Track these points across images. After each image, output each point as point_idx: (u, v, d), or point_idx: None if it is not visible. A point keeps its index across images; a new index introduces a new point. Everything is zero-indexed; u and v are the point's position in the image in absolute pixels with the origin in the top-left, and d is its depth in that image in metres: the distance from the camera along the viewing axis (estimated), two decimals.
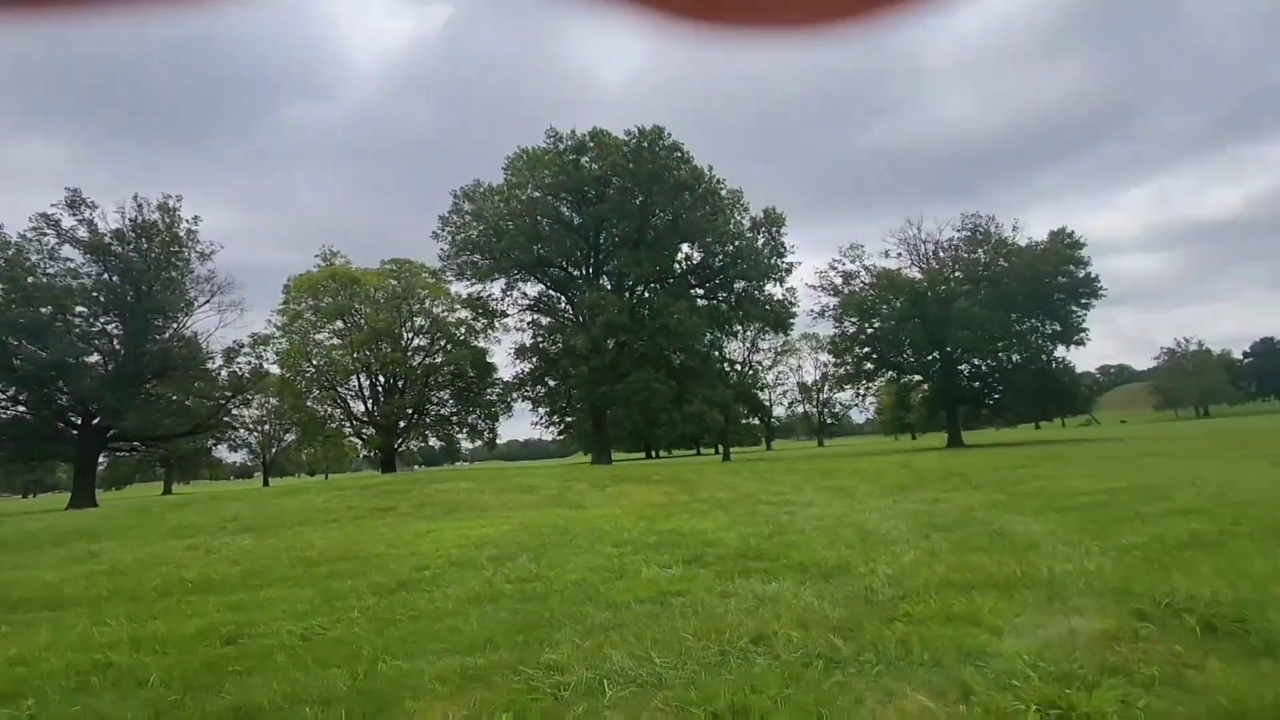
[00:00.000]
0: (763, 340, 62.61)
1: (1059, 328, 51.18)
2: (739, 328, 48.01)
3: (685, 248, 40.62)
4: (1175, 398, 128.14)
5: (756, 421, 75.86)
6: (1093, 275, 49.62)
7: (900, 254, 50.83)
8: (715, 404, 37.35)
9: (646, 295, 39.83)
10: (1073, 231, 49.99)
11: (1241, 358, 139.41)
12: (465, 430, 52.08)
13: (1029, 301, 48.21)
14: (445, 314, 48.95)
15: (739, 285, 40.66)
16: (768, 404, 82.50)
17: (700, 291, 41.94)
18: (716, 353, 44.41)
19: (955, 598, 5.30)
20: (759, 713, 3.43)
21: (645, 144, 35.34)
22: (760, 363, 70.20)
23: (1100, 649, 3.94)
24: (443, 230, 41.26)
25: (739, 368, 62.19)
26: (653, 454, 65.53)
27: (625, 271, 38.06)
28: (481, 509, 14.69)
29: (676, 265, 40.92)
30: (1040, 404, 56.90)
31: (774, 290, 42.03)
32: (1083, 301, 50.56)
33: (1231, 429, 44.46)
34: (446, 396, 51.80)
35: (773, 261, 39.94)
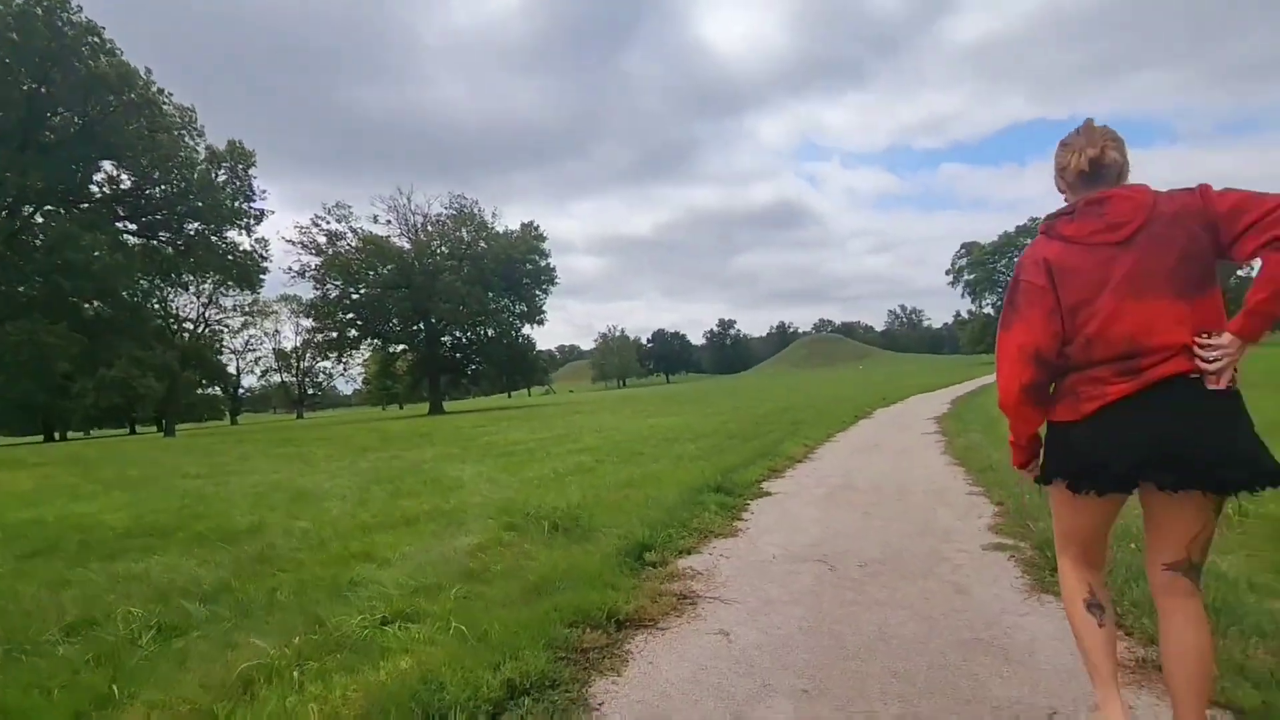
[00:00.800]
0: (226, 297, 53.61)
1: (525, 308, 59.26)
2: (190, 278, 39.88)
3: (108, 166, 31.35)
4: (606, 371, 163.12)
5: (219, 391, 65.26)
6: (551, 266, 58.77)
7: (390, 221, 50.47)
8: (151, 368, 30.16)
9: (39, 219, 29.30)
10: (539, 226, 58.22)
11: (646, 343, 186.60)
12: None
13: (502, 282, 54.05)
14: None
15: (191, 227, 33.60)
16: (234, 372, 71.86)
17: (132, 227, 33.09)
18: (156, 305, 36.07)
19: (360, 539, 5.17)
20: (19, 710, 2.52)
21: (40, 9, 25.60)
22: (225, 323, 60.11)
23: (468, 559, 4.26)
24: None
25: (192, 326, 52.07)
26: (58, 435, 49.14)
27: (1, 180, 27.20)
28: None
29: (94, 188, 31.36)
30: (509, 374, 64.93)
31: (240, 239, 36.28)
32: (544, 287, 59.58)
33: (631, 395, 58.57)
34: None
35: (238, 205, 34.29)
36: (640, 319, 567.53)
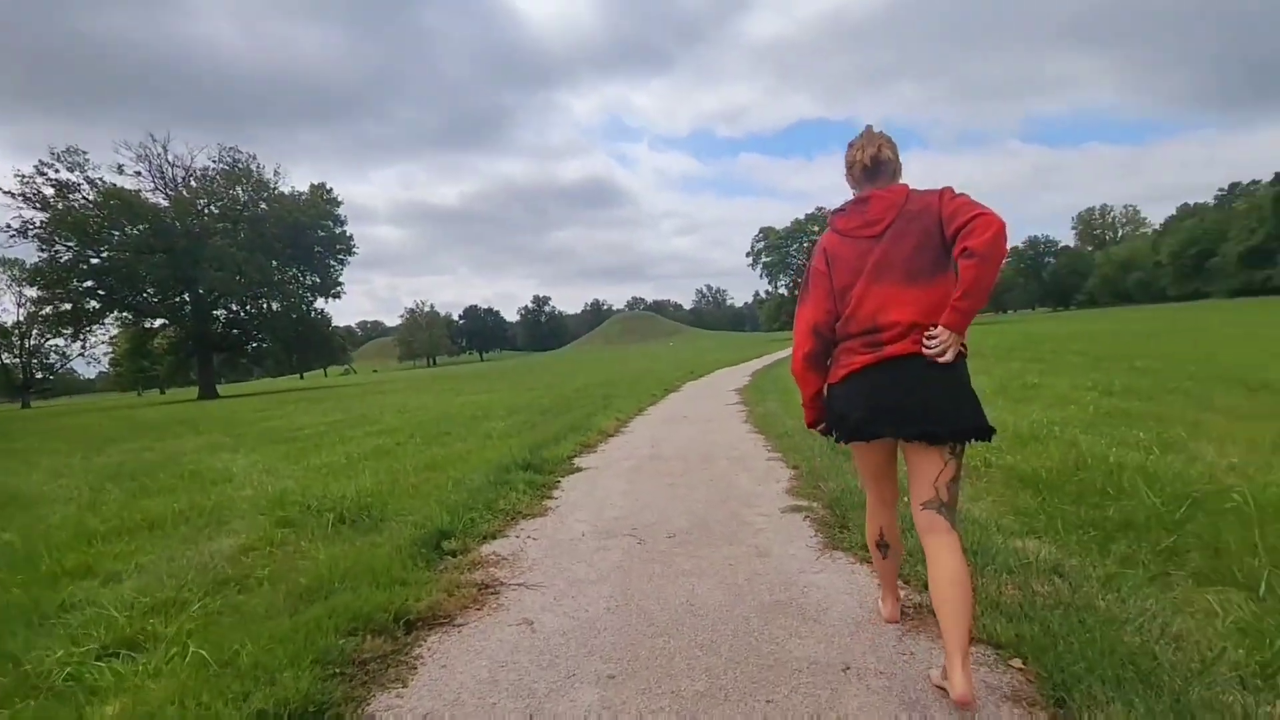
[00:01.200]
0: None
1: (318, 279, 53.77)
2: None
3: None
4: (414, 349, 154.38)
5: None
6: (348, 234, 53.92)
7: (140, 173, 42.84)
8: None
9: None
10: (331, 189, 53.01)
11: (458, 319, 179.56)
12: None
13: (290, 250, 48.53)
14: None
15: None
16: None
17: None
18: None
19: (83, 551, 4.18)
20: None
21: None
22: None
23: (227, 565, 3.59)
24: None
25: None
26: None
27: None
28: None
29: None
30: (300, 353, 58.77)
31: None
32: (339, 257, 54.47)
33: (442, 374, 56.13)
34: None
35: None
36: (451, 294, 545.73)
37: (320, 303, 54.80)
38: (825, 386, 2.17)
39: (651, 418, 9.68)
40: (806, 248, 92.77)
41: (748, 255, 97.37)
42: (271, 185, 49.39)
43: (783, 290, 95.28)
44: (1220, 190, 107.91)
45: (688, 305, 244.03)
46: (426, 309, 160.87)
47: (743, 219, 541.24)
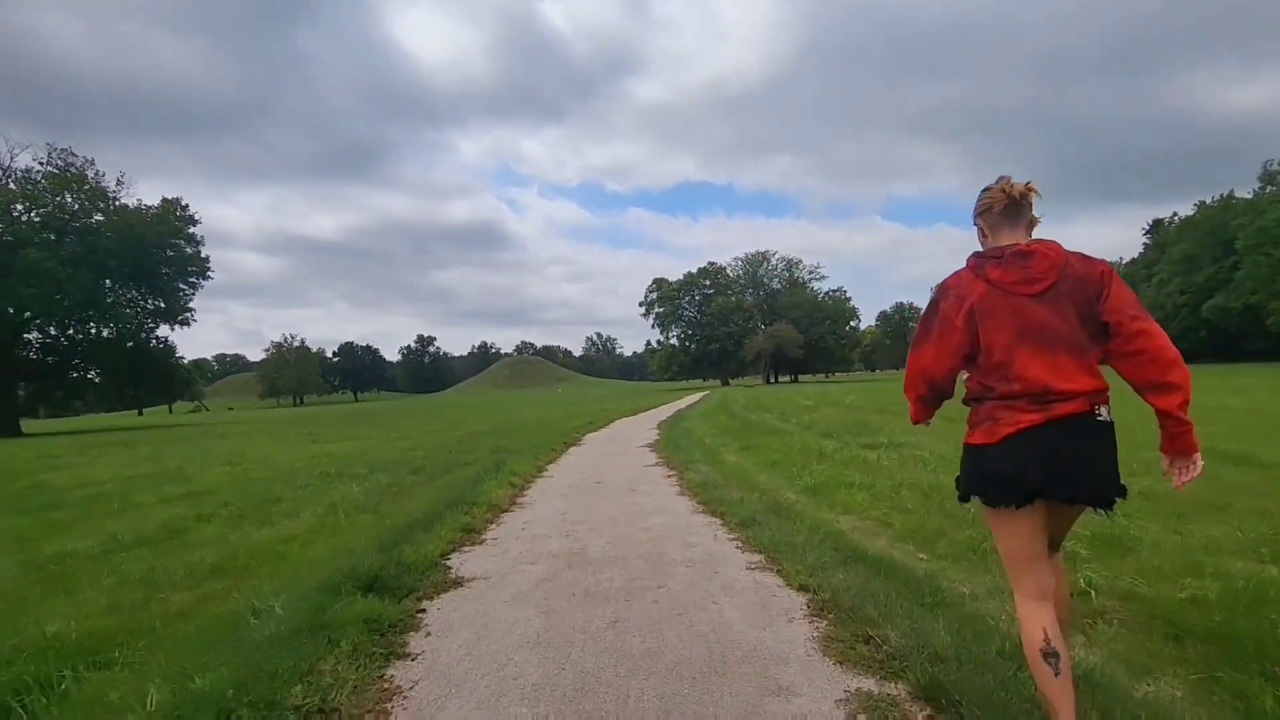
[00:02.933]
0: None
1: (164, 304, 47.30)
2: None
3: None
4: (278, 386, 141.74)
5: None
6: (203, 256, 47.99)
7: None
8: None
9: None
10: (187, 205, 47.16)
11: (331, 356, 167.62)
12: None
13: (129, 269, 42.31)
14: None
15: None
16: None
17: None
18: None
19: None
20: None
21: None
22: None
23: None
24: None
25: None
26: None
27: None
28: None
29: None
30: (136, 386, 51.20)
31: None
32: (191, 281, 48.23)
33: (306, 415, 50.68)
34: None
35: None
36: (324, 329, 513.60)
37: (165, 330, 48.26)
38: (971, 446, 1.93)
39: (556, 482, 7.65)
40: (698, 300, 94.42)
41: (640, 305, 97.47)
42: (112, 195, 43.28)
43: (674, 341, 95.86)
44: None
45: (577, 352, 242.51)
46: (295, 343, 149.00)
47: (631, 270, 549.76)
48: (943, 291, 1.98)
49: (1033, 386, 1.81)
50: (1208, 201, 70.46)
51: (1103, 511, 1.87)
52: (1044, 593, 1.87)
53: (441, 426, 21.66)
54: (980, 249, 2.03)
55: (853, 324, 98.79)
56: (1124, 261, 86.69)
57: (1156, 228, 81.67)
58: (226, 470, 10.91)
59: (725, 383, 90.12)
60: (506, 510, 5.88)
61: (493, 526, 5.27)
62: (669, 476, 7.59)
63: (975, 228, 2.10)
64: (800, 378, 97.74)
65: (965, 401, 2.01)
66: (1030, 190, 1.97)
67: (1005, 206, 1.97)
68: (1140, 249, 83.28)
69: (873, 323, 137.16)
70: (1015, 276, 1.87)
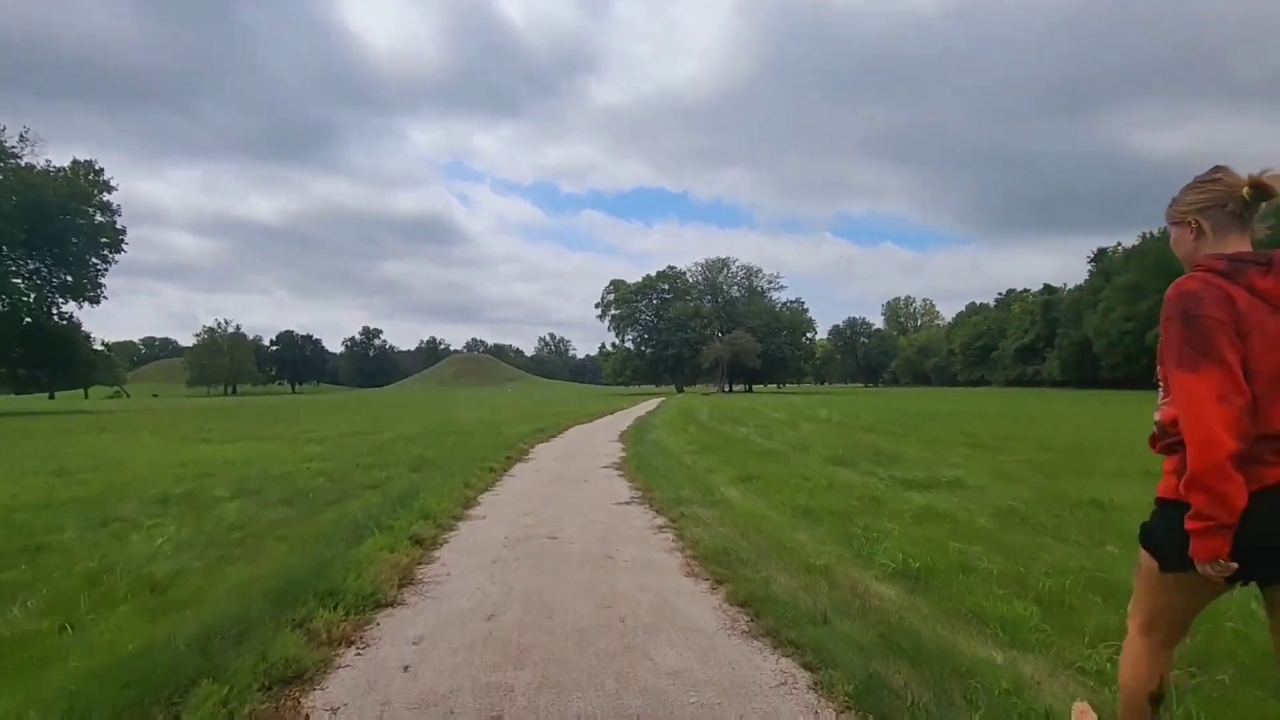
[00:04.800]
0: None
1: (70, 278, 42.54)
2: None
3: None
4: (209, 374, 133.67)
5: None
6: (119, 227, 43.43)
7: None
8: None
9: None
10: (102, 169, 42.63)
11: (270, 345, 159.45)
12: None
13: (25, 235, 37.64)
14: None
15: None
16: None
17: None
18: None
19: None
20: None
21: None
22: None
23: None
24: None
25: None
26: None
27: None
28: None
29: None
30: (31, 366, 45.98)
31: None
32: (104, 254, 43.57)
33: (227, 405, 46.48)
34: None
35: None
36: (263, 317, 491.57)
37: (70, 306, 43.47)
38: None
39: (486, 534, 5.17)
40: (656, 304, 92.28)
41: (597, 306, 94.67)
42: (11, 151, 38.54)
43: (629, 345, 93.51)
44: (999, 294, 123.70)
45: (529, 351, 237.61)
46: (231, 330, 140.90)
47: (585, 272, 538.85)
48: (1192, 299, 1.53)
49: None
50: (1153, 233, 72.22)
51: None
52: (1174, 641, 1.73)
53: (369, 426, 18.76)
54: (1190, 252, 1.66)
55: (809, 335, 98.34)
56: (1069, 288, 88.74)
57: (1101, 256, 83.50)
58: (42, 483, 8.02)
59: (680, 389, 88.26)
60: (385, 608, 3.36)
61: (370, 628, 2.82)
62: (658, 528, 5.18)
63: (1180, 228, 1.69)
64: (754, 388, 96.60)
65: (1159, 446, 1.67)
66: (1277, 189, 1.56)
67: (1242, 204, 1.59)
68: (1085, 276, 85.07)
69: (823, 337, 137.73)
70: None
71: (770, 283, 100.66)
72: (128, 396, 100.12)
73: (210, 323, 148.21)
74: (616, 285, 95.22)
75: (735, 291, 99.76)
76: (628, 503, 6.37)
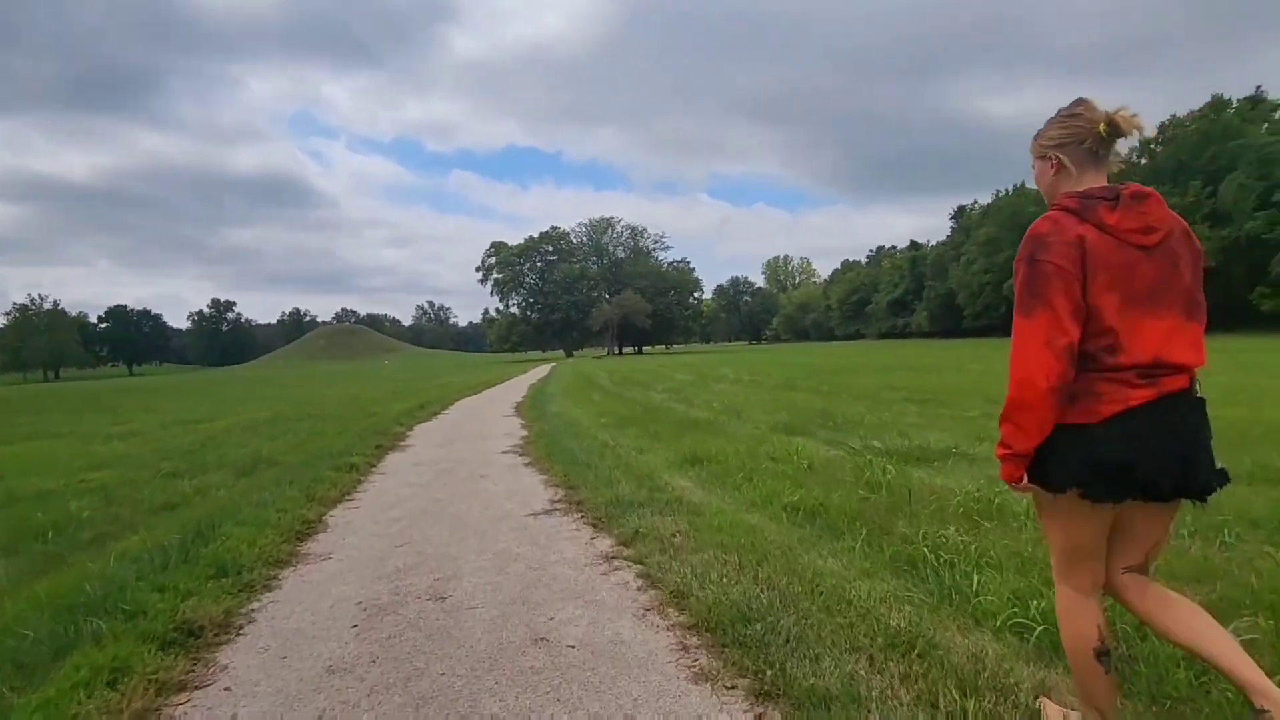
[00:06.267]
0: None
1: None
2: None
3: None
4: (24, 358, 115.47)
5: None
6: None
7: None
8: None
9: None
10: None
11: (98, 323, 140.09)
12: None
13: None
14: None
15: None
16: None
17: None
18: None
19: None
20: None
21: None
22: None
23: None
24: None
25: None
26: None
27: None
28: None
29: None
30: None
31: None
32: None
33: (33, 395, 39.41)
34: None
35: None
36: (87, 291, 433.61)
37: None
38: (1067, 425, 1.55)
39: (320, 607, 3.14)
40: (540, 267, 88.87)
41: (477, 270, 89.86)
42: None
43: (514, 310, 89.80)
44: (870, 251, 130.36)
45: (407, 321, 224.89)
46: (47, 307, 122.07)
47: (461, 236, 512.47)
48: (1039, 245, 1.56)
49: (1140, 358, 1.53)
50: (1006, 190, 77.71)
51: (1200, 503, 1.58)
52: (1098, 586, 1.68)
53: (208, 412, 15.48)
54: (1051, 186, 1.68)
55: (696, 295, 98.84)
56: (933, 244, 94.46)
57: (961, 214, 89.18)
58: None
59: (569, 354, 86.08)
60: None
61: None
62: (606, 560, 3.35)
63: (1042, 162, 1.70)
64: (644, 349, 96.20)
65: None
66: (1136, 125, 1.58)
67: (1099, 140, 1.60)
68: (948, 232, 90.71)
69: (708, 296, 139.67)
70: (1134, 223, 1.54)
71: (656, 242, 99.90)
72: None
73: (22, 299, 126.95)
74: (498, 247, 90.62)
75: (621, 252, 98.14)
76: (547, 511, 4.49)
